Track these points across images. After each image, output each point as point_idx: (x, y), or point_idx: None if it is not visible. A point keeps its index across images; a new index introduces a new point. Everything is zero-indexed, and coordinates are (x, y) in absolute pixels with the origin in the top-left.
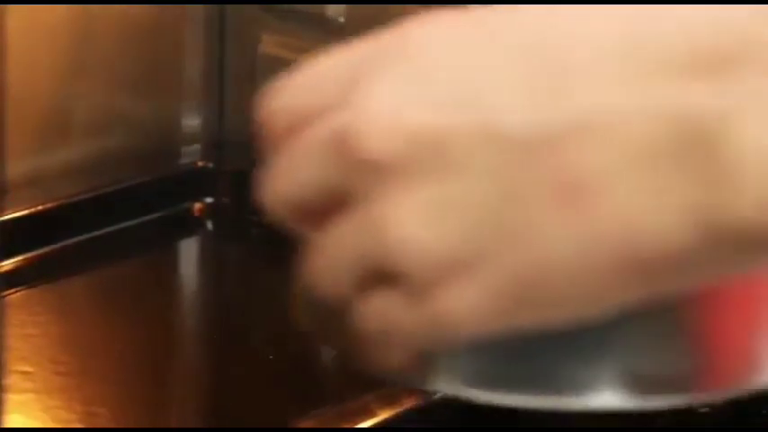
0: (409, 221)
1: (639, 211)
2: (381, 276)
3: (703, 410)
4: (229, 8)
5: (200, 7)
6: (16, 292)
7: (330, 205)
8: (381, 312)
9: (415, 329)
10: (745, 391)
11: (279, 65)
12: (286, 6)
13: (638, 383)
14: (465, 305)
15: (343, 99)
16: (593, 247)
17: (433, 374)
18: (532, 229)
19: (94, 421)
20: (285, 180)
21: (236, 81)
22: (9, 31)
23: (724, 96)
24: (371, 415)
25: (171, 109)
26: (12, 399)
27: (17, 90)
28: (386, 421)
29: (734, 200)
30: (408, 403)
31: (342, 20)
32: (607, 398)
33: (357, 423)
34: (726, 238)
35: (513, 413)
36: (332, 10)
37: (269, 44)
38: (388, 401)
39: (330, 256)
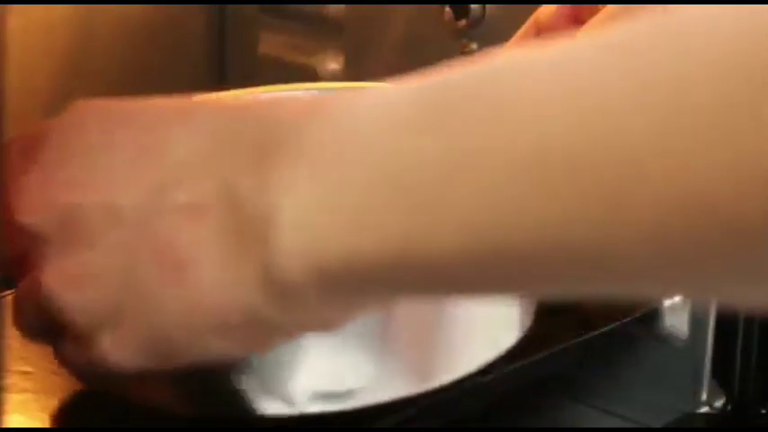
0: (57, 286)
1: (219, 283)
2: (59, 323)
3: (704, 410)
4: (229, 8)
5: (200, 7)
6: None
7: (25, 258)
8: (61, 350)
9: (83, 366)
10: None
11: (279, 65)
12: (286, 6)
13: (313, 395)
14: (113, 352)
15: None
16: (194, 313)
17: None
18: (150, 297)
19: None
20: None
21: (236, 81)
22: (9, 31)
23: (268, 185)
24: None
25: None
26: (12, 399)
27: (17, 90)
28: (388, 421)
29: (273, 259)
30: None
31: (342, 20)
32: (282, 407)
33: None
34: (280, 289)
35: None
36: (332, 10)
37: (269, 44)
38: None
39: (20, 307)
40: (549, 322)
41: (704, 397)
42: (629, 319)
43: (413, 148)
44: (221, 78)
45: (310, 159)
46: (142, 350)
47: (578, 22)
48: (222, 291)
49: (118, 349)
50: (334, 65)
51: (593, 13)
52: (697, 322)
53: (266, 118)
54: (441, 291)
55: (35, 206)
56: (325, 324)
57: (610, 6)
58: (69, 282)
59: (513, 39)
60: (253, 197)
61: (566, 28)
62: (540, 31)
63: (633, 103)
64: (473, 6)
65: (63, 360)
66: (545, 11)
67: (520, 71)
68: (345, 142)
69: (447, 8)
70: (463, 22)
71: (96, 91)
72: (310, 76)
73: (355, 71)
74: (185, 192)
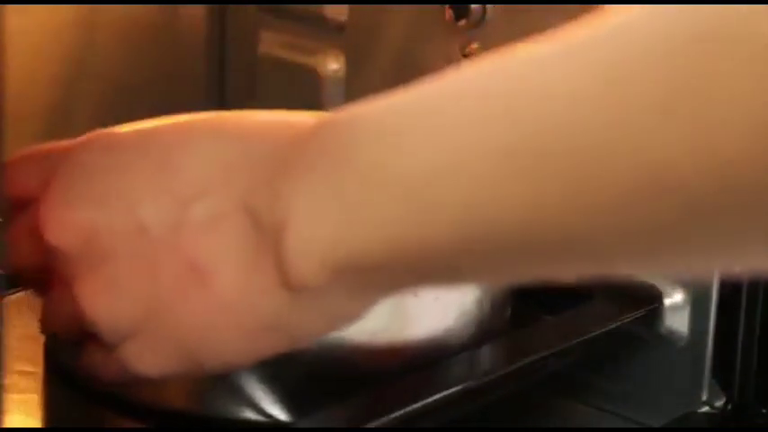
0: (87, 299)
1: (240, 288)
2: (88, 332)
3: (704, 410)
4: (229, 8)
5: (200, 7)
6: (16, 292)
7: (48, 272)
8: (91, 359)
9: (112, 373)
10: None
11: (279, 65)
12: (286, 6)
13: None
14: (141, 360)
15: (42, 190)
16: (217, 318)
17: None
18: (174, 305)
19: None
20: (10, 253)
21: (236, 81)
22: (9, 31)
23: (279, 193)
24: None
25: (170, 109)
26: (12, 399)
27: (17, 90)
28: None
29: (287, 261)
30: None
31: (342, 20)
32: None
33: (360, 423)
34: (297, 289)
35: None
36: (332, 10)
37: (269, 44)
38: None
39: (49, 316)
40: (550, 322)
41: (704, 397)
42: (629, 319)
43: (405, 151)
44: (221, 78)
45: (316, 167)
46: (168, 358)
47: None
48: (243, 295)
49: (145, 357)
50: (334, 65)
51: None
52: (697, 322)
53: (271, 134)
54: (441, 278)
55: (61, 226)
56: (341, 319)
57: None
58: (98, 295)
59: None
60: (266, 205)
61: None
62: None
63: (593, 91)
64: (473, 6)
65: (92, 367)
66: None
67: (491, 71)
68: (345, 151)
69: (447, 8)
70: (463, 22)
71: (97, 91)
72: (310, 75)
73: (355, 71)
74: (204, 205)
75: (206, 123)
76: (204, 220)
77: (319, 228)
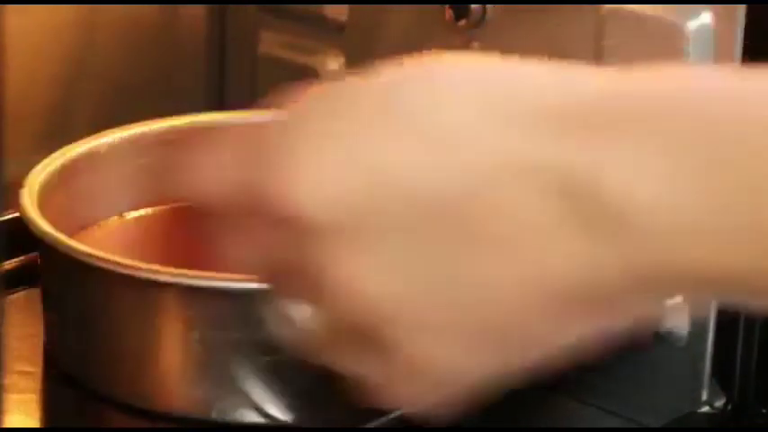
0: (361, 282)
1: (568, 260)
2: (363, 337)
3: (704, 410)
4: (229, 8)
5: (200, 7)
6: (16, 291)
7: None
8: (371, 373)
9: (398, 389)
10: None
11: (279, 65)
12: (286, 6)
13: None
14: (445, 356)
15: (267, 173)
16: (536, 291)
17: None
18: (478, 283)
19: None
20: (245, 259)
21: (236, 81)
22: (9, 31)
23: (593, 152)
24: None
25: (171, 109)
26: (12, 399)
27: (17, 90)
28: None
29: (639, 245)
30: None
31: (342, 20)
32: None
33: (359, 423)
34: (636, 275)
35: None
36: (332, 10)
37: (269, 44)
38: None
39: (300, 323)
40: None
41: (704, 397)
42: None
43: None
44: (221, 78)
45: (660, 146)
46: (479, 349)
47: None
48: (573, 268)
49: (451, 353)
50: (334, 65)
51: None
52: (697, 322)
53: (541, 82)
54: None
55: (314, 195)
56: (646, 318)
57: None
58: (374, 278)
59: None
60: (598, 176)
61: None
62: None
63: None
64: (473, 6)
65: (368, 389)
66: None
67: None
68: (716, 137)
69: (447, 8)
70: (463, 22)
71: (97, 91)
72: (310, 76)
73: (355, 71)
74: (486, 164)
75: (452, 67)
76: (490, 180)
77: (680, 220)
